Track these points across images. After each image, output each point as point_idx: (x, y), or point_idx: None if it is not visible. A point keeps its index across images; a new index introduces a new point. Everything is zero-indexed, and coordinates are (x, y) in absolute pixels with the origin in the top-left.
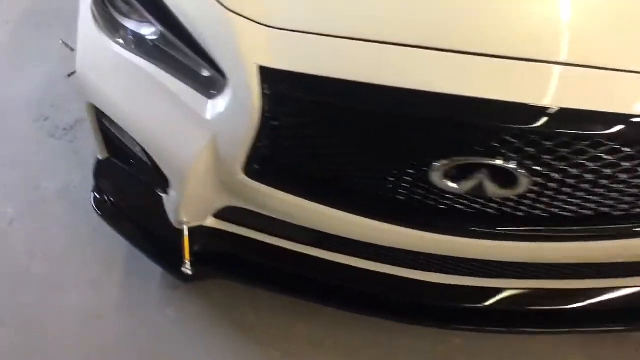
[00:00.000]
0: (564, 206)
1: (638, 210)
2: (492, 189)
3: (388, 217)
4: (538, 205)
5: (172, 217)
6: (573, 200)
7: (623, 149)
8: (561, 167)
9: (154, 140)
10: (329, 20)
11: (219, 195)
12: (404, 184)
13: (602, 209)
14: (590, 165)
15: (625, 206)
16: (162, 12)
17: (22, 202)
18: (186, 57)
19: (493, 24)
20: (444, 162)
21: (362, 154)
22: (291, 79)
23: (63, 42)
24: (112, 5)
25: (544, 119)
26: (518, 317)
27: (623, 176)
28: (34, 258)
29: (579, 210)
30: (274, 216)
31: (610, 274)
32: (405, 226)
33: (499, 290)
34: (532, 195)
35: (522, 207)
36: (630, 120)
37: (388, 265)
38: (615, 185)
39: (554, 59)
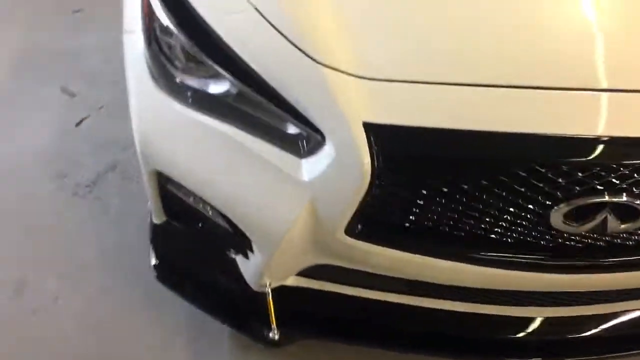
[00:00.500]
0: None
1: None
2: (614, 225)
3: (498, 263)
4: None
5: (251, 279)
6: None
7: None
8: None
9: (238, 206)
10: (429, 67)
11: (309, 255)
12: (519, 230)
13: None
14: None
15: None
16: (239, 68)
17: (61, 273)
18: (268, 115)
19: (585, 57)
20: (567, 205)
21: (479, 203)
22: (401, 134)
23: (63, 88)
24: (171, 62)
25: None
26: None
27: None
28: (87, 335)
29: None
30: (369, 271)
31: None
32: (515, 269)
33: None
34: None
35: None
36: None
37: (480, 305)
38: None
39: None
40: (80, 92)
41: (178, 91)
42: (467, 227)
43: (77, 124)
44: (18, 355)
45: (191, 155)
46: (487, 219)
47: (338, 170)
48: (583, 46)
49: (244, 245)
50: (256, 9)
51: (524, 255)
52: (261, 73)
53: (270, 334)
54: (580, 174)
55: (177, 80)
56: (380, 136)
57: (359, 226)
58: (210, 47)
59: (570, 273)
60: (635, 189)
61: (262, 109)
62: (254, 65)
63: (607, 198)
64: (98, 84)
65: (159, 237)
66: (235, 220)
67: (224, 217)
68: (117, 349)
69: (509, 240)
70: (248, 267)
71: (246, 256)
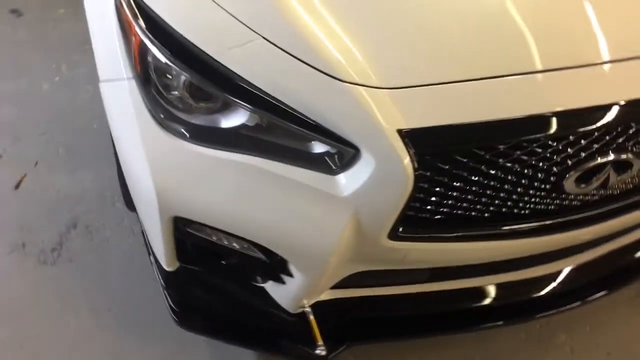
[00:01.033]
0: None
1: None
2: (613, 180)
3: (526, 233)
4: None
5: (289, 303)
6: None
7: None
8: None
9: (276, 234)
10: (441, 68)
11: (348, 266)
12: (540, 200)
13: None
14: None
15: None
16: (257, 97)
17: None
18: (292, 139)
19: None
20: (578, 171)
21: (507, 183)
22: (433, 134)
23: None
24: (174, 103)
25: None
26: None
27: None
28: None
29: None
30: (402, 268)
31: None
32: (538, 235)
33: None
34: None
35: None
36: None
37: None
38: None
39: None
40: (5, 150)
41: (189, 131)
42: (498, 207)
43: (16, 187)
44: None
45: (217, 194)
46: (514, 197)
47: (380, 179)
48: (566, 27)
49: (280, 271)
50: (264, 37)
51: (541, 222)
52: (283, 99)
53: (317, 351)
54: (584, 142)
55: (186, 120)
56: (415, 140)
57: (402, 228)
58: (222, 81)
59: (573, 229)
60: (628, 145)
61: (285, 134)
62: (274, 93)
63: (610, 157)
64: (22, 137)
65: (173, 283)
66: (273, 249)
67: (258, 247)
68: None
69: (531, 212)
70: (285, 291)
71: (282, 281)
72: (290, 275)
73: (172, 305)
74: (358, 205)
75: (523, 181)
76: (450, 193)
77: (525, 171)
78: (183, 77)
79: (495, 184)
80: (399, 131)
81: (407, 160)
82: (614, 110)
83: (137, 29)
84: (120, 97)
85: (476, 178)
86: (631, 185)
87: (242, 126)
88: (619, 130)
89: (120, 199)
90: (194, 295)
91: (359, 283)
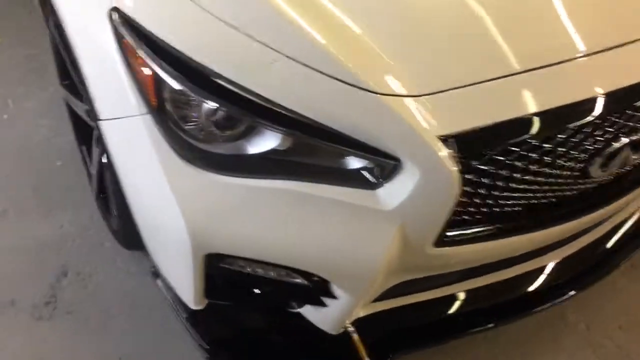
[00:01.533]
0: None
1: None
2: (631, 159)
3: (558, 220)
4: None
5: (332, 324)
6: None
7: None
8: None
9: (320, 257)
10: (468, 70)
11: (389, 280)
12: (570, 187)
13: None
14: None
15: None
16: (288, 119)
17: None
18: (326, 158)
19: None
20: (602, 155)
21: (544, 176)
22: (474, 136)
23: None
24: (194, 135)
25: None
26: None
27: None
28: None
29: None
30: (442, 272)
31: None
32: (567, 221)
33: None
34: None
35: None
36: None
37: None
38: None
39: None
40: None
41: (215, 162)
42: (533, 199)
43: None
44: None
45: (254, 224)
46: (547, 187)
47: (425, 188)
48: (572, 21)
49: (322, 294)
50: (289, 57)
51: (568, 209)
52: (316, 118)
53: None
54: (607, 126)
55: (210, 150)
56: (457, 144)
57: (447, 234)
58: (249, 106)
59: (594, 210)
60: None
61: (318, 153)
62: (306, 112)
63: (630, 138)
64: None
65: (202, 321)
66: (317, 272)
67: (300, 272)
68: None
69: (560, 200)
70: (327, 314)
71: (323, 304)
72: (334, 297)
73: (203, 344)
74: (404, 217)
75: (556, 171)
76: (492, 192)
77: (558, 161)
78: (206, 106)
79: (532, 177)
80: (440, 137)
81: (451, 165)
82: (631, 91)
83: (149, 61)
84: (132, 135)
85: (515, 174)
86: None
87: (272, 151)
88: (634, 110)
89: (108, 238)
90: (225, 330)
91: (395, 293)
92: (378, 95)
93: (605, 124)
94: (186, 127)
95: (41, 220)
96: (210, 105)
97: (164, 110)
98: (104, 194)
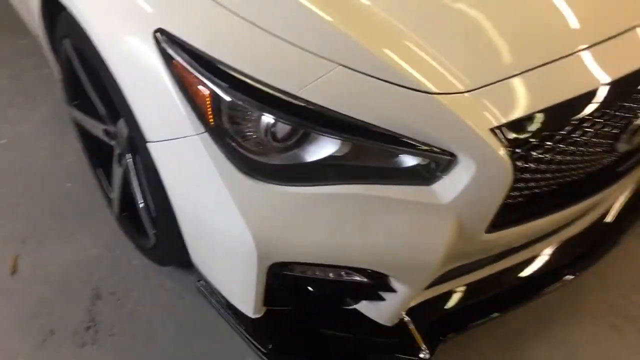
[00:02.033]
0: None
1: None
2: None
3: (589, 193)
4: None
5: (390, 317)
6: None
7: None
8: None
9: (383, 254)
10: (508, 62)
11: (441, 270)
12: (601, 161)
13: None
14: None
15: None
16: (347, 125)
17: None
18: (380, 159)
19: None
20: (630, 130)
21: (581, 155)
22: (522, 125)
23: None
24: (249, 148)
25: None
26: None
27: None
28: None
29: None
30: (489, 255)
31: None
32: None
33: None
34: None
35: None
36: None
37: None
38: None
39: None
40: None
41: (275, 173)
42: (574, 176)
43: (12, 272)
44: None
45: (318, 230)
46: (584, 164)
47: (481, 179)
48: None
49: (382, 289)
50: (343, 65)
51: (595, 183)
52: (373, 122)
53: (422, 355)
54: (630, 102)
55: (268, 162)
56: (508, 134)
57: (499, 220)
58: (308, 116)
59: (616, 181)
60: None
61: (373, 155)
62: (362, 117)
63: None
64: None
65: (262, 328)
66: (378, 269)
67: (361, 271)
68: None
69: (590, 175)
70: (385, 307)
71: (381, 299)
72: (393, 290)
73: (263, 350)
74: (460, 209)
75: (591, 149)
76: (540, 175)
77: (593, 139)
78: (263, 120)
79: (573, 157)
80: (492, 129)
81: (504, 155)
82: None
83: (205, 80)
84: (188, 154)
85: (559, 156)
86: None
87: (330, 157)
88: None
89: (135, 256)
90: (285, 334)
91: (441, 280)
92: (432, 95)
93: (628, 102)
94: (244, 141)
95: (63, 245)
96: (269, 118)
97: (221, 127)
98: (127, 213)
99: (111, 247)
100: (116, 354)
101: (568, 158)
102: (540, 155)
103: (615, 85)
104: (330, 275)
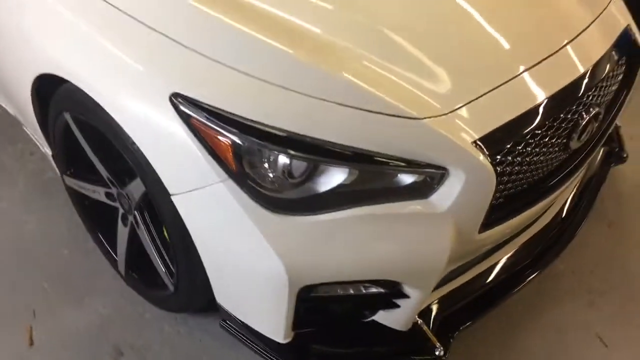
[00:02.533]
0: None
1: None
2: (591, 128)
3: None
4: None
5: (405, 322)
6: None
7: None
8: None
9: (395, 266)
10: (481, 80)
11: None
12: (560, 158)
13: None
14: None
15: None
16: (351, 155)
17: None
18: (382, 181)
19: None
20: (579, 129)
21: (545, 154)
22: (497, 135)
23: None
24: (267, 186)
25: (599, 69)
26: None
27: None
28: None
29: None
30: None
31: None
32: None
33: None
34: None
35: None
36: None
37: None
38: None
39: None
40: None
41: (295, 206)
42: (542, 172)
43: (30, 344)
44: None
45: (338, 251)
46: (547, 162)
47: (470, 186)
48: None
49: (396, 296)
50: (345, 105)
51: (558, 177)
52: (375, 149)
53: (437, 353)
54: (579, 106)
55: (286, 197)
56: (486, 144)
57: (488, 220)
58: (319, 151)
59: (568, 177)
60: (600, 98)
61: (377, 178)
62: (366, 146)
63: (594, 110)
64: None
65: (291, 352)
66: (394, 278)
67: (379, 282)
68: None
69: (555, 169)
70: (400, 314)
71: (397, 306)
72: (406, 296)
73: None
74: (456, 214)
75: (551, 149)
76: (515, 176)
77: (551, 141)
78: (280, 160)
79: (538, 158)
80: (473, 142)
81: (487, 163)
82: (591, 72)
83: (225, 132)
84: (213, 200)
85: (528, 158)
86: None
87: (339, 185)
88: (595, 88)
89: (147, 309)
90: (312, 354)
91: (443, 282)
92: (419, 120)
93: (580, 103)
94: (263, 182)
95: (74, 310)
96: (284, 157)
97: (243, 172)
98: (134, 270)
99: (121, 304)
100: None
101: (535, 159)
102: (514, 159)
103: (558, 96)
104: (351, 291)
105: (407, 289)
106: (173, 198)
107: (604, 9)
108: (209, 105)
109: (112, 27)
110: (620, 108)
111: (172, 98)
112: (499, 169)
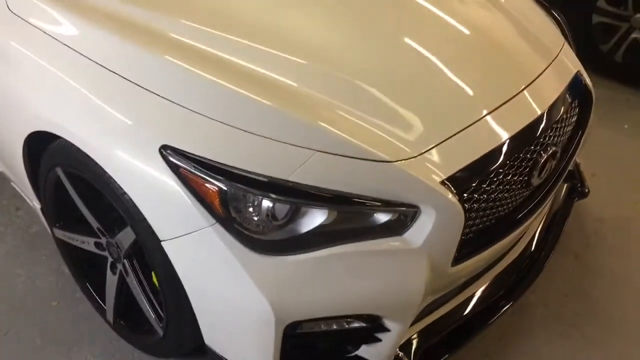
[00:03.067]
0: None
1: None
2: (550, 165)
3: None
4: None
5: (387, 355)
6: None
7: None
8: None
9: (376, 300)
10: (444, 125)
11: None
12: (523, 193)
13: None
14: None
15: None
16: (329, 197)
17: None
18: (359, 220)
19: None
20: (539, 167)
21: (508, 191)
22: (465, 172)
23: None
24: (253, 229)
25: (554, 111)
26: None
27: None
28: None
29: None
30: (455, 286)
31: None
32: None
33: None
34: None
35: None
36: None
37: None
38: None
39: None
40: None
41: (278, 246)
42: (505, 209)
43: None
44: None
45: (321, 288)
46: (512, 198)
47: (441, 222)
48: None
49: (378, 330)
50: (320, 150)
51: (523, 212)
52: (351, 191)
53: None
54: (537, 146)
55: (269, 239)
56: (453, 182)
57: (460, 254)
58: (299, 195)
59: (532, 212)
60: (556, 140)
61: (356, 217)
62: (343, 189)
63: (552, 149)
64: None
65: None
66: (374, 312)
67: (361, 317)
68: None
69: (519, 205)
70: (381, 347)
71: (378, 340)
72: (387, 330)
73: None
74: (429, 249)
75: (514, 186)
76: (482, 212)
77: (513, 178)
78: (264, 204)
79: (504, 193)
80: (442, 181)
81: (455, 201)
82: (547, 114)
83: (212, 180)
84: (204, 244)
85: (495, 194)
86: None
87: (319, 226)
88: (551, 129)
89: (135, 355)
90: None
91: (421, 316)
92: (391, 163)
93: (532, 147)
94: (248, 225)
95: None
96: (267, 202)
97: (230, 216)
98: (122, 318)
99: (110, 352)
100: None
101: (500, 195)
102: (480, 196)
103: (518, 137)
104: (334, 326)
105: (388, 323)
106: (163, 244)
107: (556, 57)
108: (196, 155)
109: (100, 83)
110: (577, 147)
111: (162, 150)
112: (467, 205)
